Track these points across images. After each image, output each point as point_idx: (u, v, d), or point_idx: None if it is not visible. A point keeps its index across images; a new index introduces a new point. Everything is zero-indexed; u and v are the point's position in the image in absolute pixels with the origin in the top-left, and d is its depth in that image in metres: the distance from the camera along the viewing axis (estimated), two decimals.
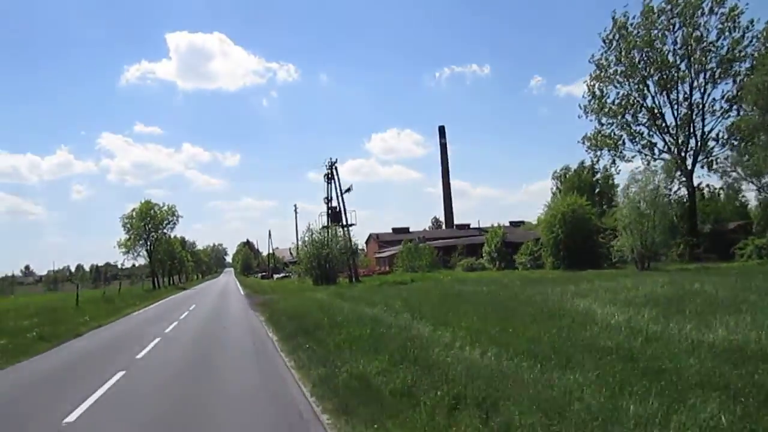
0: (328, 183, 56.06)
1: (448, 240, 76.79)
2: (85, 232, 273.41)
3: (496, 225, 63.03)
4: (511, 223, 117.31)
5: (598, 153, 54.02)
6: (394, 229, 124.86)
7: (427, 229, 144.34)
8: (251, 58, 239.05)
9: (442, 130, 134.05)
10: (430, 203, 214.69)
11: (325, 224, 52.88)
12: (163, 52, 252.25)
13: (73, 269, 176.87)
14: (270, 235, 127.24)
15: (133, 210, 76.93)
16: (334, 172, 53.73)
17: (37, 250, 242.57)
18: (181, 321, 25.58)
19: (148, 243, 78.26)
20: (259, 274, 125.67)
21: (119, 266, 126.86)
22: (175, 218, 79.95)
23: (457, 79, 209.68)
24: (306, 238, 49.15)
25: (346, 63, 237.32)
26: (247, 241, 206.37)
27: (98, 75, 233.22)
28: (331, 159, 53.67)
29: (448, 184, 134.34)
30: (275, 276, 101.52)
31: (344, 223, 51.26)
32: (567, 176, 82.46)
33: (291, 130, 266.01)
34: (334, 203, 54.12)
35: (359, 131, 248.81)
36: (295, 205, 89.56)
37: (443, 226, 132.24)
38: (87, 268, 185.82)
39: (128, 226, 76.14)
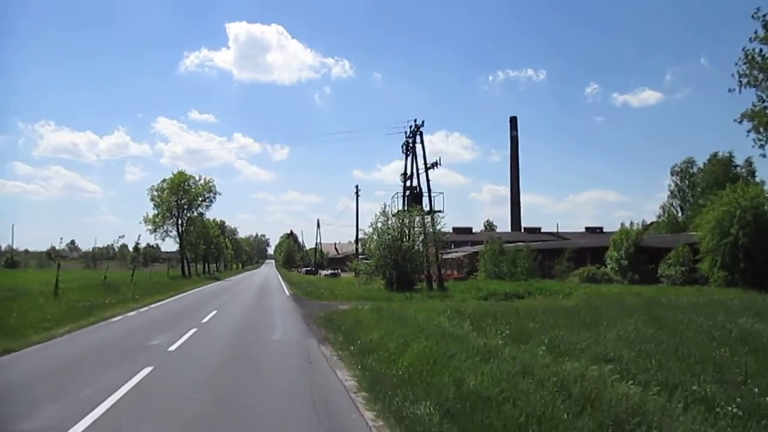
0: (406, 155, 42.45)
1: (530, 243, 61.98)
2: (137, 213, 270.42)
3: (626, 226, 47.92)
4: (587, 229, 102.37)
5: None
6: (455, 229, 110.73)
7: (482, 231, 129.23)
8: (307, 52, 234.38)
9: (513, 122, 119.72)
10: (475, 208, 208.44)
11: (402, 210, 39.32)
12: (222, 41, 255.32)
13: (117, 248, 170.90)
14: (318, 224, 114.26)
15: (164, 181, 65.00)
16: (417, 141, 40.17)
17: (89, 227, 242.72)
18: (162, 363, 12.06)
19: (180, 222, 66.21)
20: (303, 269, 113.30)
21: (160, 248, 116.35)
22: (212, 195, 67.68)
23: (511, 84, 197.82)
24: (379, 225, 35.60)
25: (400, 62, 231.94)
26: (291, 232, 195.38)
27: (159, 60, 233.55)
28: (415, 122, 40.15)
29: (518, 181, 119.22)
30: (322, 272, 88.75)
31: (428, 208, 37.59)
32: (693, 170, 67.23)
33: (340, 127, 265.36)
34: (415, 182, 40.70)
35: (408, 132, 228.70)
36: (356, 187, 75.82)
37: (496, 230, 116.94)
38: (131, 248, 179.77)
39: (157, 199, 64.17)
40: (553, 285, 37.83)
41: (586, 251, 50.00)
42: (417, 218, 35.45)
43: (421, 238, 34.90)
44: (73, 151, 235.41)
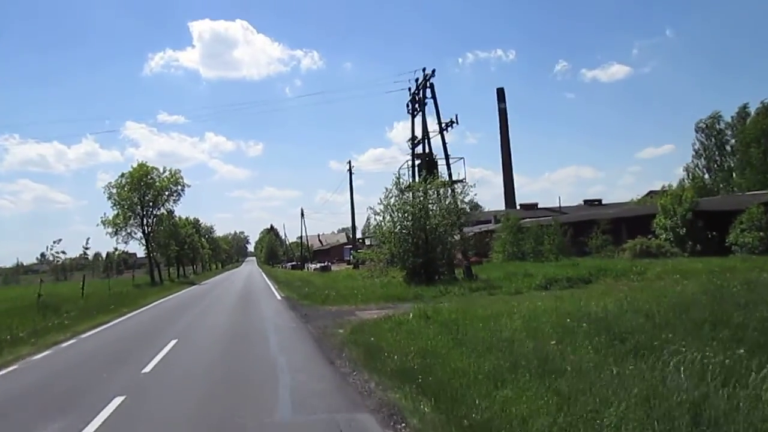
0: (413, 115, 34.61)
1: (539, 219, 54.22)
2: None
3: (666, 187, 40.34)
4: (585, 202, 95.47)
5: None
6: None
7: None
8: (275, 45, 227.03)
9: (501, 94, 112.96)
10: None
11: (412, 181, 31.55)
12: (186, 40, 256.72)
13: (91, 257, 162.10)
14: (303, 214, 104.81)
15: (123, 176, 56.24)
16: (427, 96, 32.32)
17: (62, 237, 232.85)
18: None
19: (145, 221, 57.61)
20: (288, 264, 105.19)
21: (136, 254, 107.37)
22: (180, 188, 59.05)
23: (482, 65, 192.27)
24: (392, 201, 27.54)
25: (370, 50, 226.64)
26: (272, 226, 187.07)
27: (122, 63, 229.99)
28: (424, 72, 32.27)
29: (509, 155, 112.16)
30: (310, 267, 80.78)
31: (447, 177, 29.77)
32: (720, 126, 60.15)
33: (314, 118, 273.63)
34: (427, 147, 32.89)
35: (382, 120, 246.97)
36: (349, 163, 66.23)
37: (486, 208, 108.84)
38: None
39: (116, 198, 55.44)
40: (609, 263, 30.38)
41: (620, 222, 42.64)
42: (441, 190, 27.67)
43: (448, 217, 27.07)
44: (41, 163, 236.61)
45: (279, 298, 28.49)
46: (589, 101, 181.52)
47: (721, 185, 57.93)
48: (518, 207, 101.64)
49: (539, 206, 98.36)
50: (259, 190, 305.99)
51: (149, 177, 56.52)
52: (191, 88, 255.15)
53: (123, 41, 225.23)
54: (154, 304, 29.03)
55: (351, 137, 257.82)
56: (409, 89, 34.67)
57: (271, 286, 39.83)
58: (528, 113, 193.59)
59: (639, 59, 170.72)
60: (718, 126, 59.81)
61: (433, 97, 32.24)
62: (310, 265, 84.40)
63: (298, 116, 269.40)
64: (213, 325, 18.12)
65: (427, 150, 33.04)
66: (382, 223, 27.84)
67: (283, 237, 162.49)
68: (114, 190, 55.43)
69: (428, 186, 27.26)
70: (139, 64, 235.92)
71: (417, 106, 34.29)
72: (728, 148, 59.26)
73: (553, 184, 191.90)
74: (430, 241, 26.50)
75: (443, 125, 32.32)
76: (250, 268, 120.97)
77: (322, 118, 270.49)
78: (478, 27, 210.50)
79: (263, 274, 76.59)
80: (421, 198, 26.69)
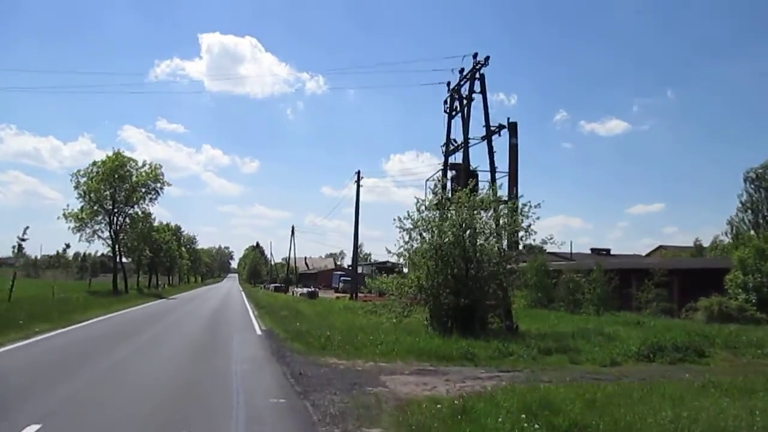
0: (450, 115, 27.67)
1: (557, 262, 46.63)
2: None
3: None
4: (592, 250, 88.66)
5: None
6: None
7: None
8: (282, 65, 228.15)
9: (513, 128, 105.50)
10: None
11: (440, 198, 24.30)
12: (195, 50, 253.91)
13: (71, 256, 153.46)
14: (293, 232, 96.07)
15: (95, 164, 48.79)
16: (475, 90, 25.40)
17: (50, 234, 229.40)
18: None
19: (115, 219, 50.01)
20: (271, 286, 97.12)
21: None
22: (159, 186, 51.66)
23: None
24: (423, 216, 20.15)
25: (374, 80, 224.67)
26: (257, 244, 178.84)
27: (128, 66, 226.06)
28: (475, 59, 25.30)
29: (517, 193, 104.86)
30: (296, 291, 73.03)
31: (492, 193, 22.42)
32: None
33: (312, 143, 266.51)
34: (471, 156, 25.86)
35: (379, 150, 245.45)
36: (358, 173, 57.00)
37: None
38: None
39: (84, 189, 47.92)
40: (689, 326, 23.27)
41: (673, 275, 35.56)
42: (491, 211, 20.43)
43: (492, 242, 19.81)
44: (36, 157, 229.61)
45: (259, 332, 20.88)
46: (586, 153, 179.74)
47: None
48: (522, 248, 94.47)
49: (547, 251, 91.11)
50: (249, 208, 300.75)
51: (125, 169, 49.19)
52: (194, 98, 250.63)
53: (131, 43, 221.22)
54: (87, 323, 21.26)
55: (346, 165, 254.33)
56: (448, 84, 27.62)
57: (251, 312, 32.13)
58: (524, 158, 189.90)
59: (638, 117, 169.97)
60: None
61: (483, 92, 25.20)
62: (295, 289, 76.60)
63: (296, 138, 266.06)
64: (135, 387, 10.45)
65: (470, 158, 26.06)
66: (410, 242, 20.46)
67: (269, 256, 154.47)
68: (82, 179, 48.06)
69: (480, 201, 20.00)
70: (145, 69, 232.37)
71: (457, 104, 27.34)
72: None
73: (541, 230, 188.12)
74: (479, 275, 19.17)
75: (492, 129, 25.37)
76: (230, 286, 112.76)
77: (319, 142, 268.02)
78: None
79: (243, 294, 68.72)
80: (467, 216, 19.40)
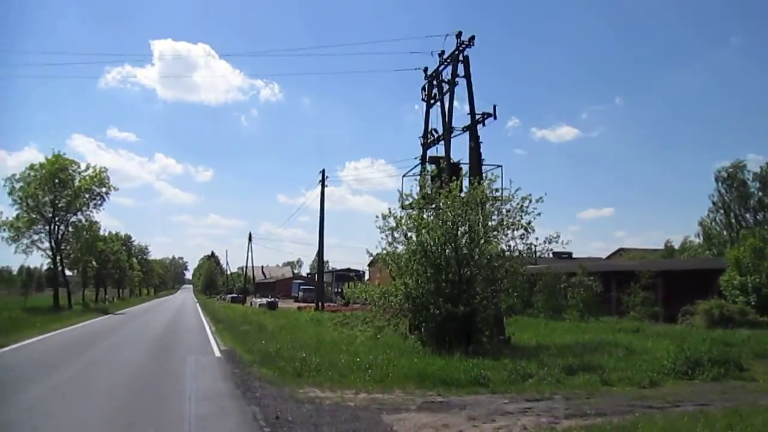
0: (428, 103, 25.23)
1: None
2: None
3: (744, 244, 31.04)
4: (554, 254, 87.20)
5: None
6: None
7: None
8: (236, 73, 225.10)
9: (473, 132, 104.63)
10: None
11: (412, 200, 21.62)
12: (147, 57, 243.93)
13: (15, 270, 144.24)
14: (250, 238, 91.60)
15: (32, 167, 44.40)
16: (459, 71, 22.87)
17: None
18: None
19: (55, 228, 45.66)
20: (228, 296, 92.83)
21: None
22: (105, 190, 47.49)
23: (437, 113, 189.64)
24: (409, 215, 17.35)
25: (329, 88, 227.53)
26: (212, 253, 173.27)
27: (77, 73, 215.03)
28: (459, 39, 22.75)
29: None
30: (254, 301, 69.36)
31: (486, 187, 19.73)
32: (744, 176, 52.80)
33: (267, 150, 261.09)
34: (454, 148, 23.32)
35: (334, 158, 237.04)
36: (323, 172, 53.72)
37: None
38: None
39: (19, 194, 43.53)
40: (696, 333, 21.18)
41: (658, 277, 33.68)
42: (484, 208, 17.75)
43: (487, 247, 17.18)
44: None
45: (218, 353, 17.62)
46: (538, 159, 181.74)
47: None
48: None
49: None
50: (203, 217, 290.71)
51: (66, 173, 44.95)
52: (146, 106, 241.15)
53: (80, 49, 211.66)
54: None
55: (302, 172, 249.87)
56: (425, 70, 25.15)
57: (207, 328, 28.68)
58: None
59: (587, 123, 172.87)
60: (740, 176, 52.48)
61: (467, 75, 22.71)
62: (254, 300, 72.83)
63: (251, 146, 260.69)
64: None
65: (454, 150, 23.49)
66: (394, 244, 17.65)
67: (225, 265, 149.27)
68: (18, 185, 43.63)
69: (478, 195, 17.32)
70: (95, 76, 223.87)
71: (436, 91, 24.76)
72: (752, 202, 51.94)
73: None
74: (476, 279, 16.51)
75: (477, 117, 22.84)
76: (184, 297, 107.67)
77: (274, 150, 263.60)
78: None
79: (199, 306, 64.55)
80: (460, 212, 16.69)
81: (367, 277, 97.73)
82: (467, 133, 23.68)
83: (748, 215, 52.32)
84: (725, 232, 52.78)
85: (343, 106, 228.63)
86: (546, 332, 23.95)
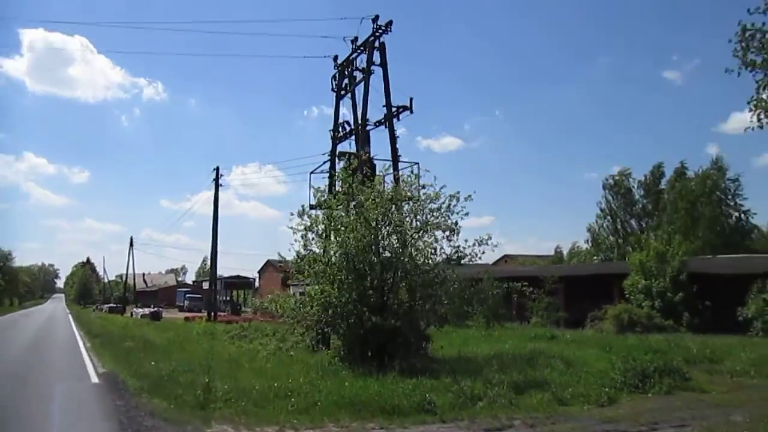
0: (338, 94, 23.46)
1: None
2: None
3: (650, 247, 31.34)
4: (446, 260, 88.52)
5: None
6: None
7: None
8: (116, 69, 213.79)
9: (366, 139, 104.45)
10: (286, 242, 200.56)
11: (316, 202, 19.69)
12: (15, 47, 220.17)
13: None
14: (132, 243, 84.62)
15: None
16: (374, 61, 21.13)
17: None
18: None
19: None
20: (105, 306, 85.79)
21: None
22: None
23: (326, 121, 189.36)
24: (331, 215, 15.22)
25: (217, 90, 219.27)
26: (88, 260, 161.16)
27: None
28: (375, 23, 20.97)
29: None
30: (136, 311, 64.15)
31: (407, 184, 18.02)
32: (629, 184, 54.91)
33: (149, 152, 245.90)
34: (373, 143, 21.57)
35: (221, 162, 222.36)
36: (216, 169, 49.01)
37: None
38: None
39: None
40: (626, 340, 20.70)
41: (560, 282, 33.72)
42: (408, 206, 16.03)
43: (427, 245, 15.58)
44: None
45: (95, 378, 14.53)
46: (424, 168, 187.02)
47: (629, 248, 52.20)
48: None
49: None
50: (78, 221, 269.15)
51: None
52: (14, 100, 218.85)
53: None
54: None
55: (186, 176, 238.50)
56: (335, 58, 23.28)
57: (81, 344, 24.83)
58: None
59: (470, 134, 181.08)
60: (626, 184, 54.68)
61: (383, 64, 21.12)
62: (135, 310, 67.41)
63: (132, 147, 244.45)
64: None
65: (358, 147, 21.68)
66: (309, 247, 15.50)
67: (102, 273, 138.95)
68: None
69: (401, 192, 15.57)
70: None
71: (348, 80, 22.90)
72: (636, 208, 54.26)
73: None
74: (398, 288, 14.74)
75: (394, 109, 21.22)
76: (54, 308, 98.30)
77: (158, 152, 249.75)
78: (327, 85, 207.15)
79: (71, 317, 58.47)
80: (384, 210, 14.87)
81: (257, 284, 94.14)
82: (379, 127, 22.17)
83: (633, 221, 54.58)
84: (612, 238, 54.77)
85: (232, 109, 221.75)
86: (458, 341, 22.58)
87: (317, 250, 15.53)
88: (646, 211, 53.17)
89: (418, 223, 15.57)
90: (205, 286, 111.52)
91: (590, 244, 56.98)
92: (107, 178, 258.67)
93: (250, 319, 41.40)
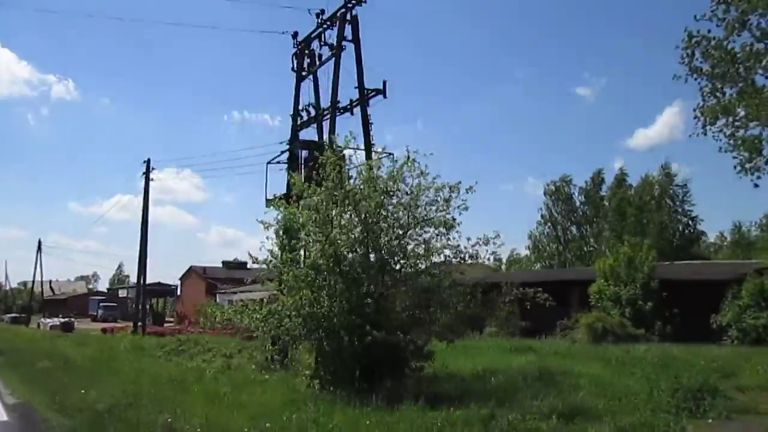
0: (300, 73, 20.77)
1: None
2: None
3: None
4: (224, 263, 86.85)
5: None
6: (225, 263, 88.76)
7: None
8: (22, 64, 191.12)
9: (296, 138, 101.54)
10: (205, 250, 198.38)
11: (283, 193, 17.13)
12: None
13: None
14: (40, 247, 76.61)
15: None
16: (346, 34, 18.56)
17: None
18: None
19: None
20: (7, 317, 78.17)
21: None
22: None
23: (247, 126, 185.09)
24: (311, 207, 12.49)
25: (134, 90, 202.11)
26: None
27: None
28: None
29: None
30: (45, 322, 58.07)
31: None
32: (570, 191, 54.59)
33: (58, 153, 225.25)
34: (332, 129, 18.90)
35: (136, 166, 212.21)
36: (147, 162, 44.51)
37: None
38: None
39: None
40: (614, 351, 18.99)
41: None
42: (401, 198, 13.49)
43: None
44: None
45: (4, 416, 11.19)
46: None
47: (569, 255, 51.85)
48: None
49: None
50: None
51: None
52: None
53: None
54: None
55: (98, 179, 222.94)
56: (295, 35, 20.55)
57: None
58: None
59: (394, 143, 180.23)
60: (567, 190, 54.37)
61: (356, 40, 18.56)
62: (43, 320, 61.10)
63: (38, 147, 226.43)
64: None
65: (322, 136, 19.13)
66: (282, 250, 12.73)
67: (3, 279, 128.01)
68: None
69: (396, 178, 13.02)
70: None
71: (311, 59, 20.21)
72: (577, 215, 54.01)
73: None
74: (396, 296, 12.31)
75: (366, 92, 18.72)
76: None
77: (67, 153, 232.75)
78: (253, 89, 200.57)
79: None
80: (378, 203, 12.38)
81: (179, 292, 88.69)
82: (344, 114, 19.58)
83: (573, 228, 54.29)
84: (552, 245, 54.27)
85: (150, 108, 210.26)
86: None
87: (292, 253, 12.75)
88: (586, 217, 52.99)
89: (413, 217, 13.08)
90: (122, 293, 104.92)
91: (530, 251, 56.40)
92: (9, 179, 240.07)
93: (179, 330, 37.74)
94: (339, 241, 11.89)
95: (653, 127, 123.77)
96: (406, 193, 12.92)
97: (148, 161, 40.44)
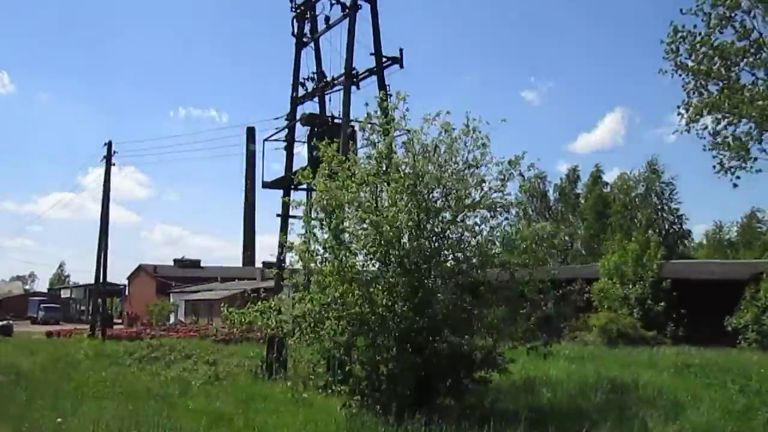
0: (301, 39, 18.24)
1: None
2: None
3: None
4: (175, 261, 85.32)
5: None
6: (177, 261, 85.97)
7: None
8: None
9: (251, 133, 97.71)
10: (147, 248, 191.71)
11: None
12: None
13: None
14: None
15: None
16: (358, 4, 16.09)
17: None
18: None
19: None
20: None
21: None
22: None
23: (193, 123, 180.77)
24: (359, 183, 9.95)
25: (74, 82, 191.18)
26: None
27: None
28: None
29: (253, 205, 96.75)
30: None
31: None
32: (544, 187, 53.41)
33: None
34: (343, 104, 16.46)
35: (76, 163, 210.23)
36: (109, 144, 40.79)
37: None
38: None
39: None
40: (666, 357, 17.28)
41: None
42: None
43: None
44: None
45: None
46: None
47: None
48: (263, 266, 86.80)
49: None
50: None
51: None
52: None
53: None
54: None
55: (35, 176, 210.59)
56: (290, 5, 18.00)
57: None
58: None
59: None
60: (541, 188, 53.07)
61: (374, 16, 16.08)
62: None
63: None
64: None
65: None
66: (309, 236, 10.26)
67: None
68: None
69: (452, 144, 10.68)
70: None
71: (312, 23, 17.70)
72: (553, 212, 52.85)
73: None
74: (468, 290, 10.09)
75: (384, 60, 16.32)
76: None
77: (1, 150, 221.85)
78: (196, 86, 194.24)
79: None
80: (435, 171, 10.12)
81: (127, 291, 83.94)
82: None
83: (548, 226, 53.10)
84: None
85: (91, 105, 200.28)
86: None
87: (324, 236, 10.26)
88: (562, 215, 51.84)
89: (470, 198, 10.81)
90: (64, 294, 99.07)
91: None
92: None
93: (135, 332, 34.64)
94: (397, 224, 9.48)
95: (595, 132, 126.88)
96: (465, 166, 10.60)
97: (110, 144, 36.80)
